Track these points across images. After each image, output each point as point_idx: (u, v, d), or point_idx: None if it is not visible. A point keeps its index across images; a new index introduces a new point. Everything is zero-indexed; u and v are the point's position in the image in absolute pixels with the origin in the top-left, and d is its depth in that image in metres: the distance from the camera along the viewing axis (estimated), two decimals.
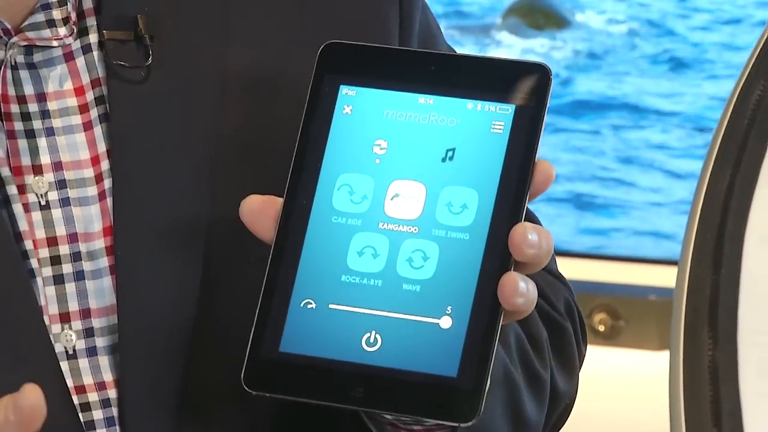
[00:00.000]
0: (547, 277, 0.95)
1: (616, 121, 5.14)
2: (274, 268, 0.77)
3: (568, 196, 4.36)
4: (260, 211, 0.78)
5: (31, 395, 0.70)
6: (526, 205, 0.78)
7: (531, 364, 0.90)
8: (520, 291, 0.74)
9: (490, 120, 0.79)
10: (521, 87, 0.80)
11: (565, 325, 0.94)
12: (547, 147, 3.44)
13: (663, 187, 4.44)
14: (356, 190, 0.80)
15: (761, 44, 0.78)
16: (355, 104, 0.81)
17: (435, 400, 0.76)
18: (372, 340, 0.75)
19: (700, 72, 4.94)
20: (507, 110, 0.79)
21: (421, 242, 0.78)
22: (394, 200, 0.79)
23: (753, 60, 0.77)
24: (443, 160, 0.79)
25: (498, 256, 0.76)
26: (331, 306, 0.76)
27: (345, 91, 0.81)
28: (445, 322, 0.76)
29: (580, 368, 1.00)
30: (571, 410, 0.98)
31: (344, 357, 0.75)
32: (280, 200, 0.78)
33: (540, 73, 0.79)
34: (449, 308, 0.76)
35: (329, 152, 0.81)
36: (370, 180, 0.79)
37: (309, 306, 0.76)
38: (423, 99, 0.81)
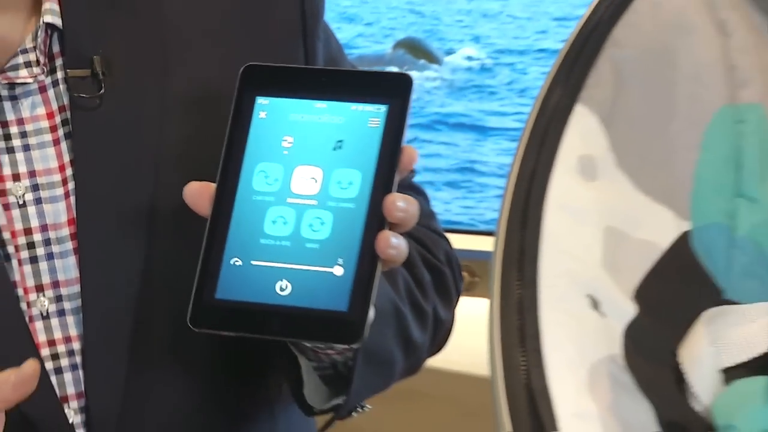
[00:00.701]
0: (431, 235, 1.04)
1: (468, 135, 5.38)
2: (210, 235, 0.80)
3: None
4: (199, 194, 0.81)
5: (32, 365, 0.77)
6: (397, 180, 0.81)
7: (417, 301, 0.96)
8: (392, 245, 0.78)
9: (368, 117, 0.82)
10: (391, 91, 0.82)
11: (444, 270, 1.00)
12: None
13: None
14: (270, 175, 0.82)
15: (560, 60, 0.82)
16: (268, 110, 0.83)
17: (331, 329, 0.79)
18: (284, 286, 0.78)
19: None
20: (380, 109, 0.82)
21: (319, 212, 0.80)
22: (298, 181, 0.82)
23: (554, 71, 0.81)
24: (334, 149, 0.81)
25: (376, 219, 0.79)
26: (252, 262, 0.79)
27: (260, 101, 0.84)
28: (338, 271, 0.78)
29: (457, 301, 1.07)
30: (450, 334, 1.05)
31: (264, 300, 0.78)
32: (214, 185, 0.81)
33: (404, 80, 0.82)
34: (340, 260, 0.79)
35: (249, 147, 0.82)
36: (280, 167, 0.81)
37: (236, 263, 0.79)
38: (318, 104, 0.83)
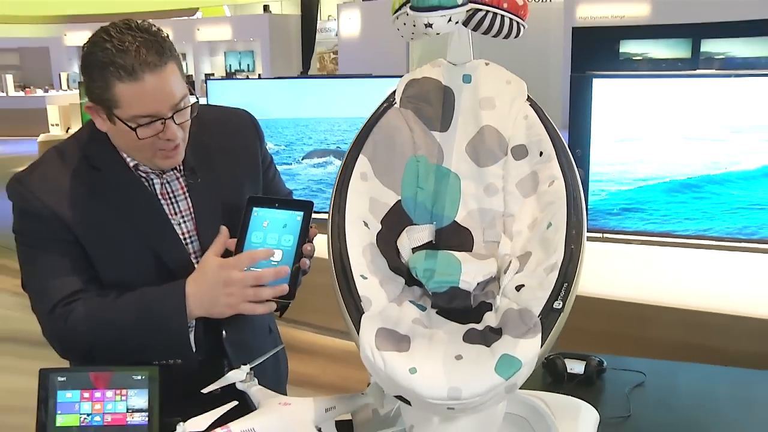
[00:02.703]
0: None
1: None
2: (236, 250, 0.88)
3: None
4: (229, 243, 0.90)
5: (285, 267, 0.87)
6: (307, 238, 0.89)
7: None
8: (307, 264, 0.89)
9: (296, 215, 0.89)
10: (305, 206, 0.90)
11: None
12: None
13: None
14: (258, 236, 0.89)
15: (354, 139, 0.93)
16: (258, 212, 0.90)
17: (284, 294, 0.87)
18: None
19: None
20: (301, 213, 0.88)
21: (277, 251, 0.88)
22: (268, 238, 0.89)
23: (353, 142, 0.93)
24: (283, 227, 0.89)
25: (299, 253, 0.88)
26: (251, 268, 0.87)
27: (255, 209, 0.90)
28: (285, 272, 0.87)
29: None
30: None
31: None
32: (235, 239, 0.89)
33: (310, 203, 0.90)
34: (287, 268, 0.87)
35: (250, 225, 0.89)
36: (262, 233, 0.89)
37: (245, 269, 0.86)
38: (278, 211, 0.90)
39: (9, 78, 10.30)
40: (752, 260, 2.18)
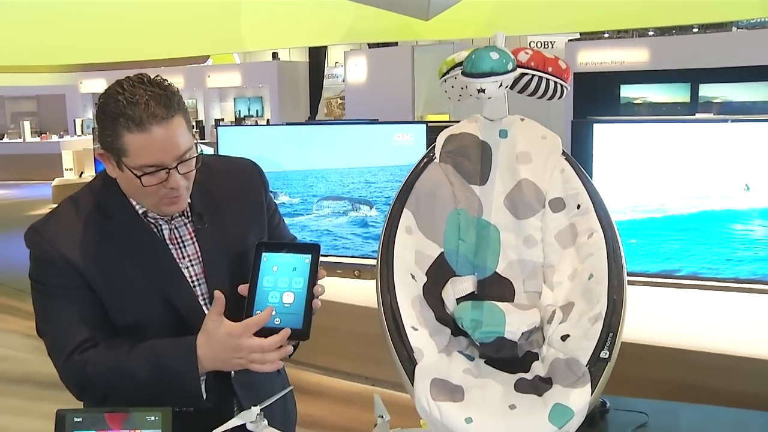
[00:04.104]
0: None
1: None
2: (247, 302, 0.85)
3: None
4: (242, 289, 0.87)
5: (219, 294, 0.83)
6: (316, 281, 0.86)
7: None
8: (317, 304, 0.86)
9: (305, 258, 0.86)
10: (312, 249, 0.87)
11: None
12: None
13: None
14: (269, 280, 0.85)
15: (396, 194, 0.96)
16: (268, 258, 0.86)
17: (298, 334, 0.84)
18: (278, 320, 0.84)
19: None
20: (309, 256, 0.86)
21: (288, 292, 0.85)
22: (279, 281, 0.85)
23: (395, 197, 0.96)
24: (293, 270, 0.86)
25: (310, 294, 0.85)
26: (256, 308, 0.85)
27: (264, 254, 0.87)
28: (298, 316, 0.84)
29: None
30: None
31: (270, 325, 0.83)
32: (247, 284, 0.86)
33: (317, 245, 0.87)
34: (299, 309, 0.84)
35: (261, 270, 0.86)
36: (272, 277, 0.85)
37: (258, 312, 0.84)
38: (287, 255, 0.86)
39: (26, 124, 10.47)
40: (754, 301, 2.16)
